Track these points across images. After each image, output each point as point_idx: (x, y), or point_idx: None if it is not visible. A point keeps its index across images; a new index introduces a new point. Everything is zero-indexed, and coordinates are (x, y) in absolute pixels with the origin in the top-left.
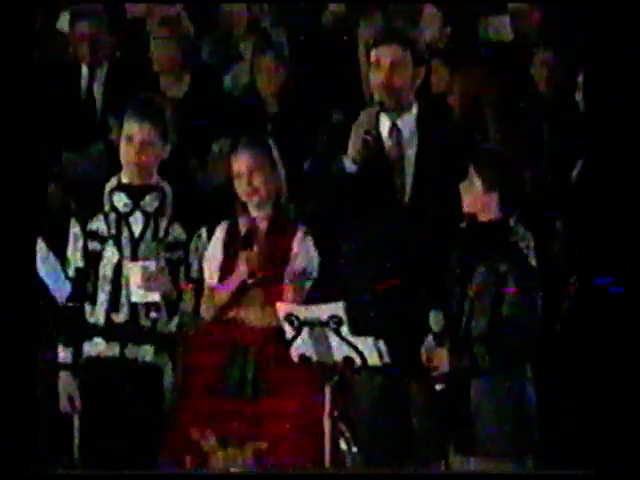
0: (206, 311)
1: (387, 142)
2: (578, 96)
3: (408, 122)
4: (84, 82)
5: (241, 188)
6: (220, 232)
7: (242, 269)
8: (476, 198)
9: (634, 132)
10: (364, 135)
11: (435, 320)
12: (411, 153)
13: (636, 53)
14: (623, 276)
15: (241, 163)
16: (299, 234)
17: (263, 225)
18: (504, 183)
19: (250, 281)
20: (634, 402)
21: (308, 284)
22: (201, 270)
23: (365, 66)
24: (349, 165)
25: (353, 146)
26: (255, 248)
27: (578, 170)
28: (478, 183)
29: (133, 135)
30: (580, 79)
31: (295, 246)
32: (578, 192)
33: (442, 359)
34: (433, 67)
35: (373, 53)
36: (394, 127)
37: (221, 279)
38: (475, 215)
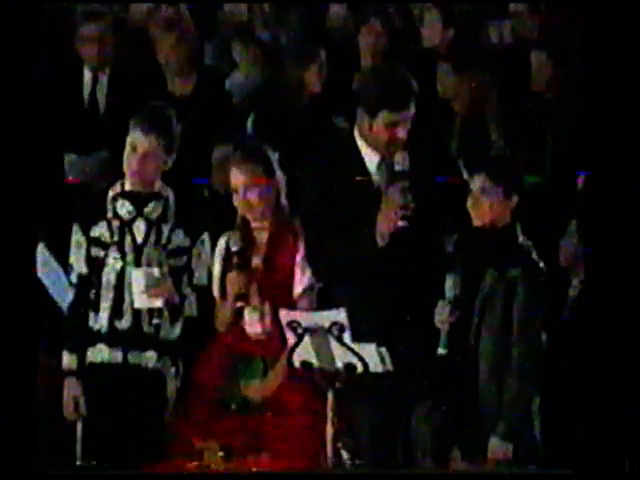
0: (218, 323)
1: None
2: (582, 99)
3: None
4: (87, 85)
5: (238, 203)
6: (220, 246)
7: (230, 292)
8: (493, 207)
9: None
10: (402, 222)
11: (451, 285)
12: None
13: (637, 55)
14: (628, 282)
15: (236, 179)
16: (303, 244)
17: (263, 237)
18: (520, 187)
19: (239, 304)
20: (636, 404)
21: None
22: (204, 277)
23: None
24: (380, 240)
25: (386, 224)
26: (255, 260)
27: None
28: (499, 191)
29: (137, 145)
30: (583, 82)
31: (299, 257)
32: (584, 197)
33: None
34: (438, 72)
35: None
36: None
37: (222, 294)
38: (486, 225)
